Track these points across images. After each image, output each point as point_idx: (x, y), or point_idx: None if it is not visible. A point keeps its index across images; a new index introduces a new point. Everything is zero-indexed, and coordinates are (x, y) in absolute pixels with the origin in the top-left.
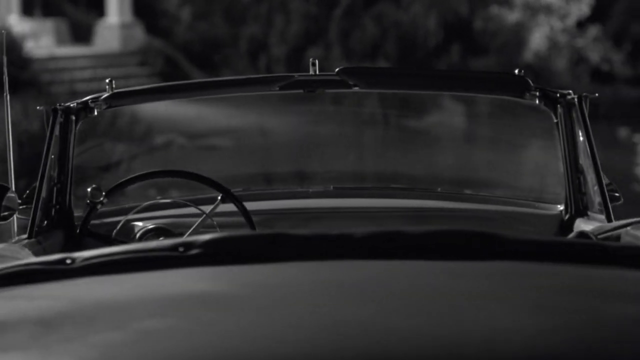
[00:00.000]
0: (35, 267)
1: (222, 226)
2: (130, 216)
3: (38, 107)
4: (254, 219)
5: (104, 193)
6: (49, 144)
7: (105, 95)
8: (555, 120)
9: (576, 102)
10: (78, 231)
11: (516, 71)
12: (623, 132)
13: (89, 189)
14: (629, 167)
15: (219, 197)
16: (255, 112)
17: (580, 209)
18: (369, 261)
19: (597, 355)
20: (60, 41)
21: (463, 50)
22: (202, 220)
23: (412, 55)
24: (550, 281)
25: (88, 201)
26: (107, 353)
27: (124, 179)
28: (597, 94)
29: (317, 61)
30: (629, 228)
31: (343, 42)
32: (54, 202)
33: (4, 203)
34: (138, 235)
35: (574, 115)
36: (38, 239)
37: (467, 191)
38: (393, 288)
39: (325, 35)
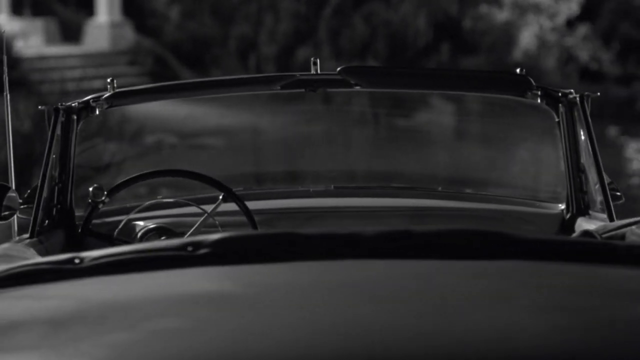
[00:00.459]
0: (44, 266)
1: (223, 225)
2: (131, 215)
3: (39, 107)
4: (255, 218)
5: (105, 192)
6: (51, 143)
7: (107, 94)
8: (556, 120)
9: (578, 101)
10: (80, 231)
11: (517, 70)
12: (612, 131)
13: (90, 189)
14: (618, 165)
15: (221, 197)
16: (246, 112)
17: (581, 208)
18: (377, 261)
19: (606, 355)
20: (49, 40)
21: (453, 50)
22: (204, 219)
23: (401, 55)
24: (558, 280)
25: (90, 200)
26: (118, 352)
27: (126, 178)
28: (598, 93)
29: (318, 60)
30: (633, 227)
31: (333, 41)
32: (55, 201)
33: (4, 203)
34: (139, 234)
35: (576, 114)
36: (39, 238)
37: (468, 190)
38: (401, 288)
39: (314, 34)
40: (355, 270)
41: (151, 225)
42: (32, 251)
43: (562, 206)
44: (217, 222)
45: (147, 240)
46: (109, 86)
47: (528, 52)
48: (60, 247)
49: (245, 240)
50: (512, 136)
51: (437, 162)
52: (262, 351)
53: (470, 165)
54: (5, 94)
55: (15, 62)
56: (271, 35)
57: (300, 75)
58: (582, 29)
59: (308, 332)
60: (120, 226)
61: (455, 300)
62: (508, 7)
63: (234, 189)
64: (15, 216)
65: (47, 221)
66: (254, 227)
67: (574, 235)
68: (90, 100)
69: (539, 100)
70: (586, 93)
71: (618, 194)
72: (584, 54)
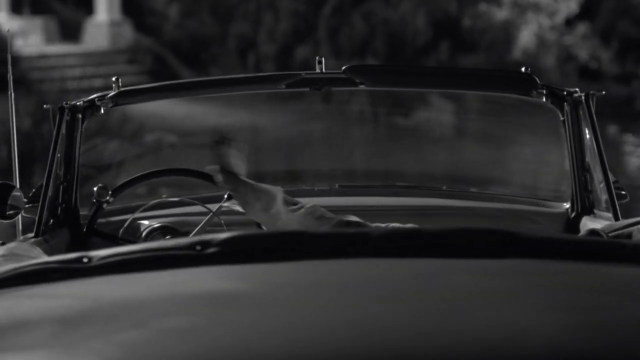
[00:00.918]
0: (52, 265)
1: (228, 224)
2: (136, 215)
3: (45, 106)
4: None
5: (110, 192)
6: (56, 142)
7: (112, 93)
8: (561, 118)
9: (583, 100)
10: (85, 230)
11: (522, 69)
12: (611, 129)
13: (95, 188)
14: (618, 164)
15: (226, 196)
16: (245, 110)
17: (586, 207)
18: (385, 260)
19: (613, 354)
20: (49, 39)
21: (452, 48)
22: (209, 218)
23: (400, 53)
24: (566, 279)
25: (94, 200)
26: (127, 351)
27: (130, 178)
28: (603, 92)
29: (323, 59)
30: None
31: (332, 39)
32: (60, 200)
33: (9, 202)
34: (144, 233)
35: (581, 113)
36: (45, 237)
37: (472, 189)
38: (409, 287)
39: (314, 33)
40: (363, 269)
41: (156, 224)
42: (38, 250)
43: (567, 205)
44: (222, 221)
45: (152, 239)
46: (114, 85)
47: (527, 51)
48: (66, 246)
49: (253, 239)
50: (516, 135)
51: (440, 161)
52: (270, 350)
53: (475, 164)
54: (9, 92)
55: (14, 60)
56: (270, 34)
57: (305, 74)
58: (581, 28)
59: (316, 331)
60: (125, 225)
61: (464, 299)
62: (507, 6)
63: None
64: (20, 215)
65: (52, 220)
66: (259, 226)
67: (580, 234)
68: (96, 99)
69: (544, 99)
70: (591, 92)
71: (623, 192)
72: (583, 53)
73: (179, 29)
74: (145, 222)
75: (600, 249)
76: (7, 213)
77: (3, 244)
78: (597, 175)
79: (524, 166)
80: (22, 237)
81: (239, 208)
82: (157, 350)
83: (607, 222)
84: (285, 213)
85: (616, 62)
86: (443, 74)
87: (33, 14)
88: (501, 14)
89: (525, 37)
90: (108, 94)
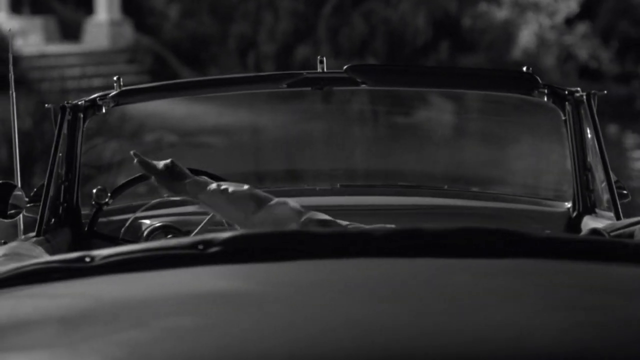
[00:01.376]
0: (55, 265)
1: (230, 224)
2: (138, 214)
3: (46, 105)
4: None
5: (109, 194)
6: (57, 142)
7: (113, 92)
8: (563, 118)
9: (584, 100)
10: (86, 229)
11: (524, 68)
12: (612, 129)
13: (94, 190)
14: (618, 164)
15: None
16: (245, 110)
17: (588, 206)
18: (387, 259)
19: (616, 353)
20: (49, 39)
21: (452, 48)
22: (210, 217)
23: (400, 53)
24: (568, 279)
25: (93, 202)
26: (129, 351)
27: (129, 179)
28: (605, 92)
29: (324, 59)
30: None
31: (332, 39)
32: (61, 200)
33: (10, 201)
34: (145, 233)
35: (582, 112)
36: (46, 237)
37: (474, 189)
38: (411, 286)
39: (314, 32)
40: (366, 268)
41: (157, 223)
42: (39, 249)
43: (569, 204)
44: (223, 220)
45: (154, 239)
46: (115, 84)
47: (527, 51)
48: (67, 246)
49: (255, 238)
50: (517, 134)
51: (441, 161)
52: (272, 349)
53: (476, 164)
54: (10, 92)
55: (14, 60)
56: (270, 33)
57: (307, 73)
58: (581, 28)
59: (318, 330)
60: (127, 225)
61: (465, 299)
62: (507, 6)
63: None
64: (21, 215)
65: (53, 219)
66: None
67: (582, 233)
68: (97, 99)
69: (545, 99)
70: (592, 91)
71: (625, 192)
72: (583, 53)
73: (179, 29)
74: (147, 221)
75: (602, 248)
76: (9, 212)
77: (5, 243)
78: (599, 174)
79: (526, 166)
80: (23, 237)
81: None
82: (159, 350)
83: (608, 222)
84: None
85: (616, 62)
86: (444, 73)
87: (33, 13)
88: (501, 13)
89: (526, 36)
90: (109, 94)
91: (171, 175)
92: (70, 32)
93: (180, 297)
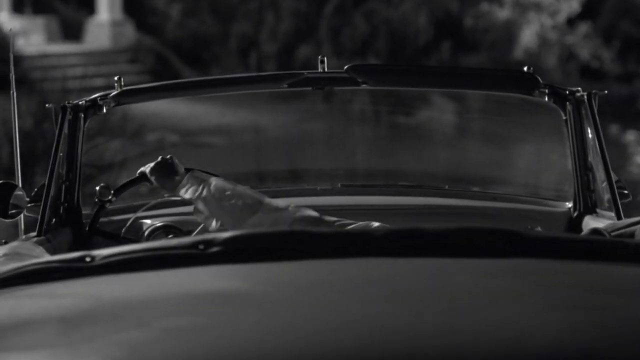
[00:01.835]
0: (55, 265)
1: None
2: (139, 214)
3: (47, 105)
4: None
5: (112, 192)
6: (58, 141)
7: (114, 92)
8: (564, 118)
9: (585, 99)
10: (87, 229)
11: (525, 68)
12: (613, 129)
13: (97, 188)
14: (620, 164)
15: None
16: (247, 110)
17: (589, 206)
18: (387, 259)
19: (617, 352)
20: (50, 39)
21: (453, 48)
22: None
23: (402, 53)
24: (569, 278)
25: (96, 200)
26: (130, 350)
27: (132, 177)
28: (605, 91)
29: (325, 59)
30: None
31: (333, 39)
32: (62, 200)
33: (11, 201)
34: (146, 233)
35: (583, 112)
36: (47, 236)
37: (474, 188)
38: (412, 286)
39: (315, 32)
40: (366, 268)
41: (158, 223)
42: (40, 249)
43: (570, 204)
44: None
45: (155, 238)
46: (116, 84)
47: (529, 50)
48: (68, 246)
49: (256, 238)
50: (518, 134)
51: (442, 161)
52: (273, 349)
53: (477, 164)
54: (11, 92)
55: (16, 60)
56: (272, 33)
57: (308, 73)
58: (583, 27)
59: (318, 330)
60: (127, 224)
61: (466, 298)
62: (509, 5)
63: None
64: (22, 214)
65: (54, 219)
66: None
67: (583, 233)
68: (98, 99)
69: (546, 99)
70: (594, 91)
71: (626, 192)
72: (584, 52)
73: (180, 29)
74: (148, 221)
75: (602, 248)
76: (10, 212)
77: (5, 243)
78: (600, 174)
79: (526, 165)
80: (24, 237)
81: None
82: (160, 350)
83: (609, 222)
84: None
85: (618, 62)
86: (445, 73)
87: (35, 13)
88: (503, 13)
89: (527, 36)
90: (110, 94)
91: (164, 172)
92: (72, 32)
93: (180, 297)
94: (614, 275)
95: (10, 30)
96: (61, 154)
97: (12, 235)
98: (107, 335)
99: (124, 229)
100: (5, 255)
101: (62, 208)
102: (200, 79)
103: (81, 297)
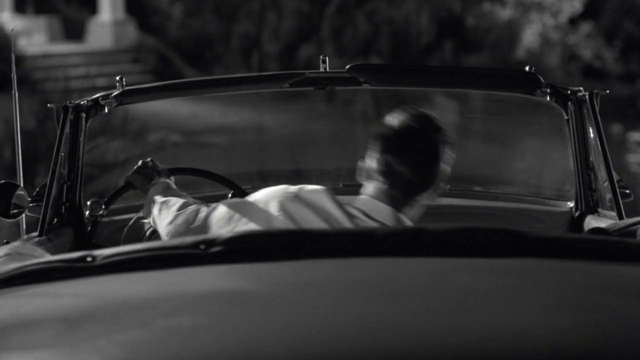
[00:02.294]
0: (56, 264)
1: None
2: (140, 214)
3: (48, 105)
4: None
5: (103, 206)
6: (60, 141)
7: (116, 92)
8: (565, 117)
9: (587, 99)
10: (89, 229)
11: (527, 68)
12: (615, 128)
13: (88, 202)
14: (622, 163)
15: (230, 195)
16: (249, 110)
17: (590, 205)
18: (390, 259)
19: (619, 352)
20: (52, 38)
21: (456, 47)
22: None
23: (404, 53)
24: (571, 278)
25: (89, 216)
26: (131, 350)
27: (119, 187)
28: (607, 91)
29: (327, 58)
30: None
31: (336, 39)
32: (64, 199)
33: (13, 201)
34: (148, 232)
35: (585, 112)
36: (49, 236)
37: (476, 188)
38: (414, 286)
39: (317, 32)
40: (368, 268)
41: None
42: (42, 249)
43: (571, 204)
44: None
45: (156, 238)
46: (117, 84)
47: (531, 50)
48: (70, 245)
49: (257, 237)
50: (520, 134)
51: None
52: (275, 349)
53: (479, 163)
54: (13, 92)
55: (18, 60)
56: (274, 33)
57: (310, 73)
58: (585, 27)
59: (320, 329)
60: (129, 224)
61: (468, 298)
62: (511, 5)
63: (243, 187)
64: (23, 214)
65: (56, 219)
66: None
67: (584, 233)
68: (100, 98)
69: (548, 98)
70: (595, 91)
71: (627, 191)
72: (587, 52)
73: (182, 28)
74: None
75: (604, 248)
76: (11, 212)
77: (7, 243)
78: (601, 174)
79: (528, 165)
80: (25, 236)
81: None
82: (162, 350)
83: (611, 221)
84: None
85: (620, 62)
86: (447, 73)
87: (37, 13)
88: (505, 13)
89: (529, 36)
90: (112, 93)
91: (141, 177)
92: (74, 31)
93: (182, 296)
94: (615, 275)
95: (12, 30)
96: (63, 154)
97: (13, 235)
98: (108, 335)
99: (125, 229)
100: (6, 255)
101: (63, 208)
102: (203, 78)
103: (82, 297)
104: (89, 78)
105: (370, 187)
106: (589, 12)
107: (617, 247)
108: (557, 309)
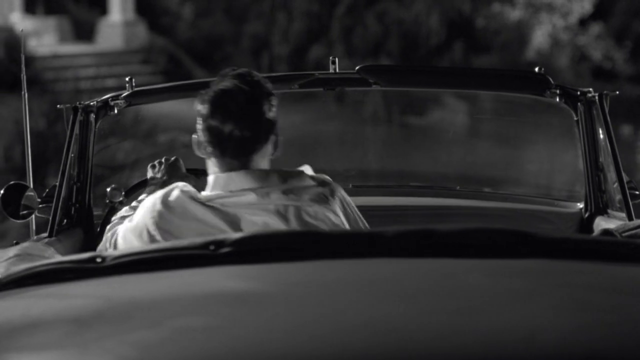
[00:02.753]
0: (66, 265)
1: None
2: None
3: (58, 106)
4: None
5: (123, 193)
6: (69, 142)
7: (126, 93)
8: (575, 118)
9: (597, 100)
10: (98, 230)
11: (536, 69)
12: (625, 129)
13: (108, 189)
14: (632, 164)
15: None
16: None
17: (600, 207)
18: (399, 259)
19: (628, 353)
20: (62, 39)
21: (465, 48)
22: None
23: (414, 53)
24: (580, 279)
25: (107, 201)
26: (141, 351)
27: (143, 178)
28: (617, 92)
29: (337, 59)
30: None
31: (345, 40)
32: (73, 200)
33: (23, 202)
34: None
35: (594, 113)
36: (58, 237)
37: (486, 189)
38: (423, 286)
39: (327, 33)
40: (377, 269)
41: None
42: (51, 250)
43: (581, 205)
44: None
45: None
46: (127, 85)
47: (541, 51)
48: (79, 246)
49: (267, 238)
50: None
51: (454, 161)
52: (284, 349)
53: (488, 164)
54: (23, 92)
55: (28, 60)
56: (284, 34)
57: (319, 74)
58: (595, 28)
59: (330, 329)
60: None
61: (477, 299)
62: (521, 6)
63: None
64: (33, 215)
65: (65, 220)
66: None
67: (594, 234)
68: (110, 99)
69: (557, 99)
70: (605, 92)
71: (637, 192)
72: (597, 53)
73: (192, 29)
74: None
75: (614, 249)
76: (21, 213)
77: (17, 243)
78: (611, 175)
79: (538, 166)
80: (35, 237)
81: None
82: (171, 350)
83: (620, 222)
84: None
85: (630, 62)
86: (457, 74)
87: (47, 14)
88: (515, 14)
89: (539, 37)
90: (122, 94)
91: (175, 173)
92: (84, 32)
93: (191, 297)
94: (624, 276)
95: (22, 30)
96: (72, 155)
97: (23, 235)
98: (118, 336)
99: None
100: (16, 255)
101: (73, 209)
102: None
103: (92, 298)
104: (99, 79)
105: (210, 165)
106: (599, 13)
107: (627, 248)
108: (567, 310)
